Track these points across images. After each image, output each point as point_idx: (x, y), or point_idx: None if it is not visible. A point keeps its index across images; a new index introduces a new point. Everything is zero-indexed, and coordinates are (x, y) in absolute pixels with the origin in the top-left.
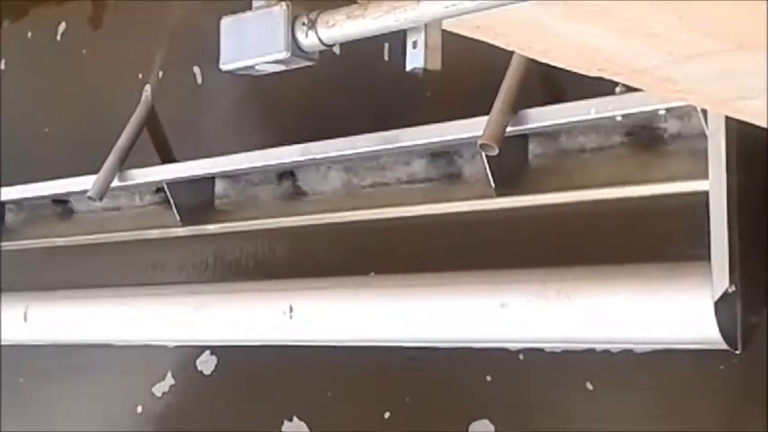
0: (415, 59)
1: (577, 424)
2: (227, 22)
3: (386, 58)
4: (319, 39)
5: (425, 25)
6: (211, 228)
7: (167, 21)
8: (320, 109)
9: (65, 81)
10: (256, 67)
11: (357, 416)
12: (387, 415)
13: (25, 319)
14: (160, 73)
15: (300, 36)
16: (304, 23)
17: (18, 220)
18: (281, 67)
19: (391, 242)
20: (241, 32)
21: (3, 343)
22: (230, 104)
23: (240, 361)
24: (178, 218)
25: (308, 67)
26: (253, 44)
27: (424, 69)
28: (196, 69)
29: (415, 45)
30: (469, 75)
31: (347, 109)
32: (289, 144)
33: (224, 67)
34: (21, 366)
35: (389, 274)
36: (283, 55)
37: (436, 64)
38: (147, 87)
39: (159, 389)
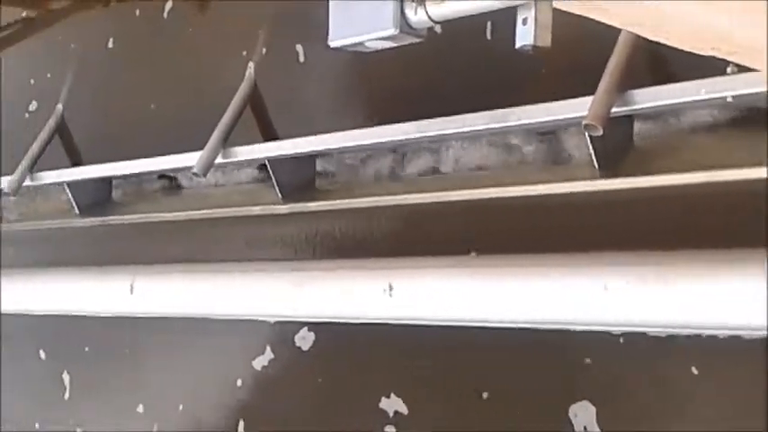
0: (524, 37)
1: (681, 408)
2: (336, 0)
3: (488, 36)
4: (428, 15)
5: (536, 2)
6: (312, 205)
7: None
8: (420, 88)
9: (171, 59)
10: (365, 44)
11: (454, 395)
12: (485, 395)
13: (131, 291)
14: (263, 50)
15: (409, 13)
16: (413, 0)
17: (125, 194)
18: (390, 44)
19: (493, 223)
20: (350, 9)
21: (109, 314)
22: (332, 82)
23: (338, 337)
24: (280, 195)
25: (415, 44)
26: (361, 21)
27: (534, 46)
28: (299, 47)
29: (525, 22)
30: (574, 53)
31: (448, 88)
32: (389, 122)
33: (332, 43)
34: (126, 338)
35: (490, 255)
36: (392, 31)
37: (546, 41)
38: (251, 65)
39: (259, 363)
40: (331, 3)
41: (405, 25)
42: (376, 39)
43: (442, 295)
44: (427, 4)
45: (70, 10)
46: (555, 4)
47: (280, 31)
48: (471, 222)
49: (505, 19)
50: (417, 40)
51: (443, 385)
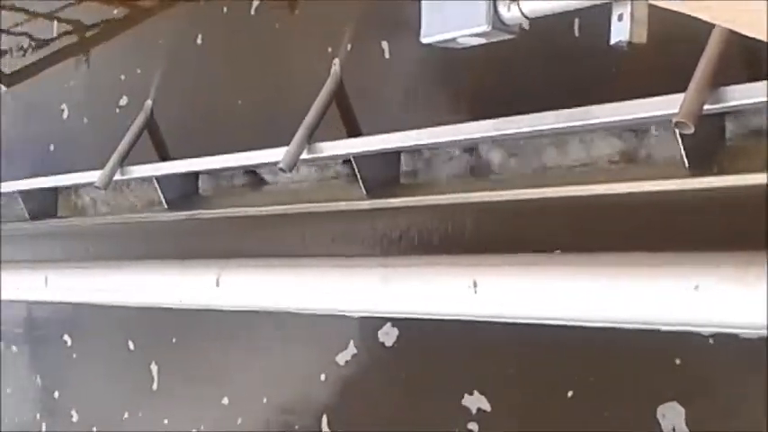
0: (620, 33)
1: None
2: None
3: (576, 33)
4: (521, 12)
5: None
6: (396, 201)
7: None
8: (507, 84)
9: (257, 55)
10: (457, 40)
11: (539, 393)
12: (570, 394)
13: (217, 284)
14: (349, 47)
15: (502, 9)
16: None
17: (211, 189)
18: (482, 41)
19: (579, 221)
20: (442, 6)
21: (195, 307)
22: (416, 79)
23: (421, 334)
24: (364, 191)
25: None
26: (454, 17)
27: (629, 43)
28: (384, 44)
29: (620, 18)
30: (663, 50)
31: (535, 85)
32: (474, 119)
33: (424, 39)
34: (211, 330)
35: (576, 253)
36: (484, 28)
37: (642, 37)
38: (336, 61)
39: (342, 358)
40: (423, 0)
41: (497, 22)
42: (468, 35)
43: (527, 293)
44: (520, 0)
45: (158, 7)
46: (650, 1)
47: (365, 28)
48: (557, 220)
49: (595, 15)
50: (509, 37)
51: (527, 383)
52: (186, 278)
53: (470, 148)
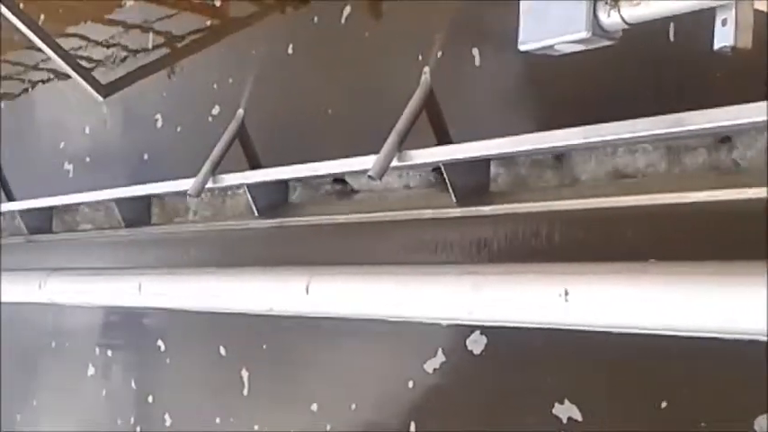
0: (724, 38)
1: None
2: (526, 3)
3: (671, 38)
4: (622, 18)
5: (736, 2)
6: (487, 209)
7: (448, 2)
8: (599, 91)
9: (347, 63)
10: (555, 47)
11: (631, 402)
12: (663, 404)
13: (307, 291)
14: (439, 54)
15: (602, 15)
16: (606, 2)
17: (301, 196)
18: (581, 47)
19: (673, 229)
20: (541, 13)
21: (285, 314)
22: (507, 86)
23: (510, 342)
24: (454, 199)
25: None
26: (553, 24)
27: (733, 48)
28: (475, 51)
29: (724, 23)
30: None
31: (628, 91)
32: (565, 127)
33: (522, 47)
34: (301, 337)
35: (670, 261)
36: (584, 35)
37: (746, 42)
38: (426, 69)
39: (430, 365)
40: (522, 6)
41: (597, 28)
42: (567, 42)
43: (620, 301)
44: (621, 5)
45: (250, 18)
46: (756, 5)
47: (456, 35)
48: (651, 228)
49: (691, 21)
50: (609, 43)
51: (619, 393)
52: (276, 285)
53: (560, 155)
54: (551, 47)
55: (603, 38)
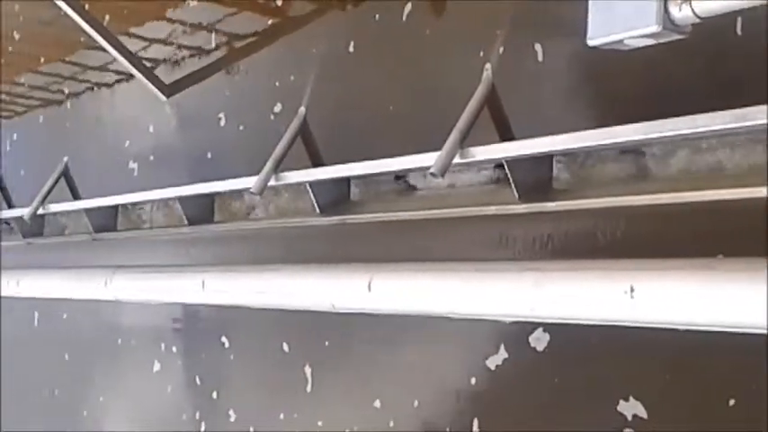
0: None
1: None
2: None
3: (738, 32)
4: (693, 12)
5: None
6: (551, 205)
7: None
8: (664, 85)
9: (409, 60)
10: (625, 42)
11: (698, 400)
12: (731, 402)
13: (369, 288)
14: (501, 50)
15: (673, 9)
16: None
17: (362, 194)
18: (651, 42)
19: (741, 224)
20: (611, 7)
21: (347, 311)
22: (570, 82)
23: (573, 339)
24: (516, 195)
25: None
26: (623, 19)
27: None
28: (537, 46)
29: None
30: None
31: (693, 85)
32: (628, 121)
33: (591, 42)
34: (363, 333)
35: (739, 257)
36: (654, 29)
37: None
38: (488, 66)
39: (492, 362)
40: (591, 1)
41: (668, 22)
42: (637, 36)
43: (687, 298)
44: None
45: (310, 16)
46: None
47: (518, 31)
48: (718, 225)
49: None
50: (680, 37)
51: (686, 390)
52: (338, 282)
53: (624, 150)
54: (621, 41)
55: (674, 32)
